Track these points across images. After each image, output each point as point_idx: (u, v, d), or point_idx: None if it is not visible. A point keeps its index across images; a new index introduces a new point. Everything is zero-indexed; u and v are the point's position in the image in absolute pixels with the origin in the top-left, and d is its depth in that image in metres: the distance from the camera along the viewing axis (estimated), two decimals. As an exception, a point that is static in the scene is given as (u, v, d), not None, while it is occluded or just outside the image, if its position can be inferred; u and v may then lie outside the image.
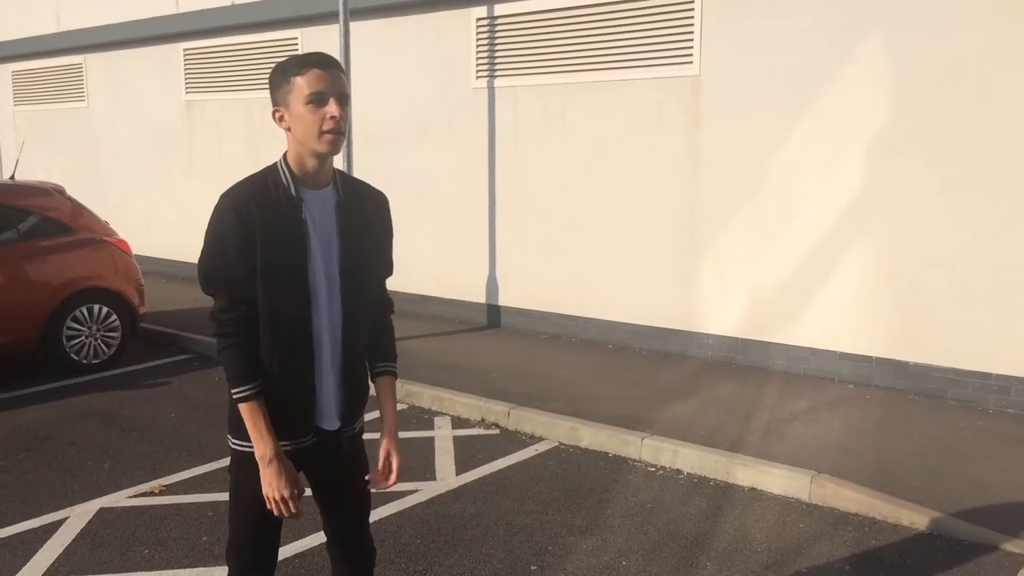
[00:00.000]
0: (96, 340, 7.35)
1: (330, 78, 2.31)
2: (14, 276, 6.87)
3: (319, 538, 4.19)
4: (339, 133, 2.32)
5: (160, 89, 11.80)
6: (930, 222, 6.17)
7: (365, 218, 2.50)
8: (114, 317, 7.43)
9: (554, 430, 5.68)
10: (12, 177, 7.76)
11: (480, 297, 8.68)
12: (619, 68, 7.50)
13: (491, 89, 8.35)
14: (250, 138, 10.66)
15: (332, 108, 2.30)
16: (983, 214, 5.96)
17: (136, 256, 7.95)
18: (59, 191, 7.49)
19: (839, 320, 6.61)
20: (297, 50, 9.92)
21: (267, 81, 2.41)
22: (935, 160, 6.10)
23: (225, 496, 4.73)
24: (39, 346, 7.08)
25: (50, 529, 4.38)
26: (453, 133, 8.70)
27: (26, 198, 7.17)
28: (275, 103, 2.36)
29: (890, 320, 6.40)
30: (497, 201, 8.42)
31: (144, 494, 4.81)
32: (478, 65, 8.43)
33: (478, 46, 8.41)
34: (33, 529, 4.39)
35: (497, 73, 8.30)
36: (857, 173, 6.42)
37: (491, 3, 8.24)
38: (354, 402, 2.60)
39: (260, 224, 2.30)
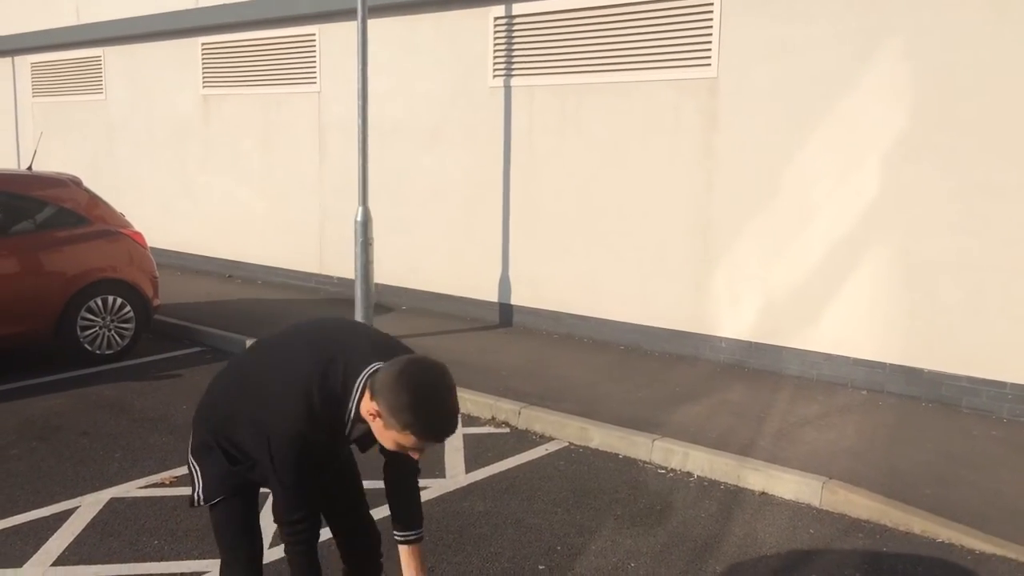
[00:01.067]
0: (110, 331, 7.38)
1: (430, 445, 2.32)
2: (30, 266, 6.91)
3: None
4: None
5: (178, 83, 11.85)
6: (946, 229, 6.12)
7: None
8: (128, 308, 7.46)
9: (564, 430, 5.67)
10: (30, 168, 7.81)
11: (492, 296, 8.67)
12: (636, 69, 7.48)
13: (507, 88, 8.34)
14: (265, 134, 10.69)
15: (416, 455, 2.37)
16: (999, 222, 5.91)
17: (151, 248, 7.99)
18: (76, 182, 7.53)
19: (853, 326, 6.58)
20: (314, 47, 9.95)
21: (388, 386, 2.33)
22: (951, 167, 6.06)
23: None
24: (53, 336, 7.12)
25: (61, 518, 4.41)
26: (468, 132, 8.70)
27: (43, 189, 7.21)
28: (378, 402, 2.25)
29: (904, 327, 6.36)
30: (511, 200, 8.41)
31: (154, 485, 4.83)
32: (495, 64, 8.43)
33: (495, 45, 8.41)
34: (44, 518, 4.41)
35: (514, 72, 8.30)
36: (873, 179, 6.39)
37: (509, 2, 8.23)
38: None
39: (316, 441, 2.45)
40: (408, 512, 2.65)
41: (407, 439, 2.26)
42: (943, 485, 4.77)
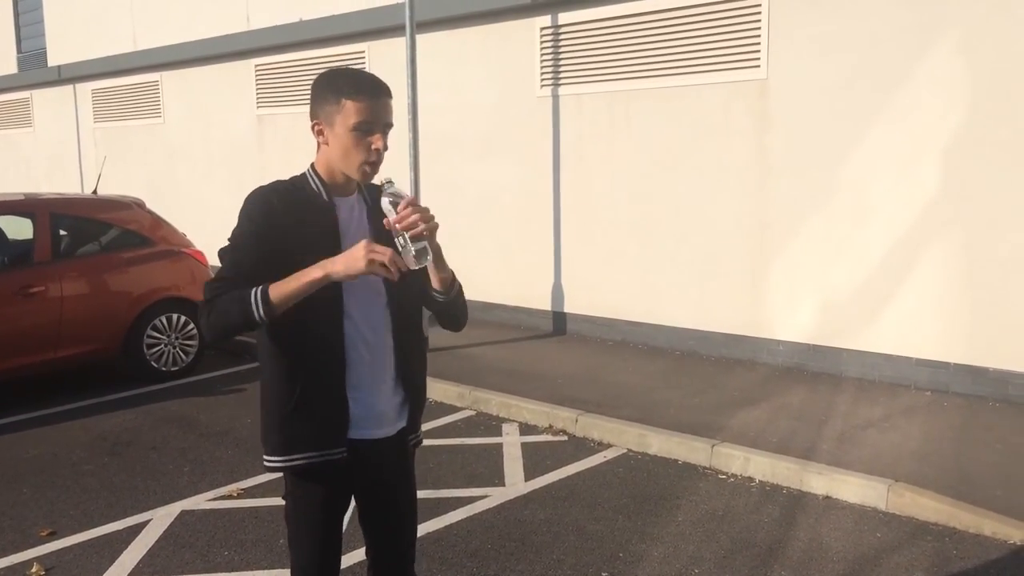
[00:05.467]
0: (175, 348, 7.58)
1: (381, 107, 2.27)
2: (98, 287, 7.13)
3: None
4: (377, 164, 2.31)
5: (233, 104, 12.13)
6: (1010, 224, 5.98)
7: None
8: (192, 326, 7.65)
9: (622, 437, 5.67)
10: (95, 191, 8.06)
11: (546, 304, 8.70)
12: (685, 73, 7.46)
13: (555, 97, 8.38)
14: (319, 150, 10.87)
15: (377, 141, 2.27)
16: (1066, 215, 5.77)
17: (212, 266, 8.17)
18: (139, 204, 7.75)
19: (915, 326, 6.46)
20: (364, 63, 10.11)
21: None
22: (1016, 161, 5.92)
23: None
24: (121, 354, 7.33)
25: (134, 531, 4.54)
26: (518, 142, 8.75)
27: (108, 211, 7.44)
28: (315, 115, 2.31)
29: (968, 325, 6.23)
30: (562, 208, 8.44)
31: (223, 497, 4.95)
32: (542, 73, 8.47)
33: (542, 55, 8.46)
34: (118, 531, 4.55)
35: (561, 81, 8.33)
36: (932, 175, 6.27)
37: (555, 12, 8.28)
38: (410, 404, 2.51)
39: (289, 221, 2.27)
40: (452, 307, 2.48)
41: (350, 114, 2.23)
42: (1014, 486, 4.65)
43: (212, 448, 5.79)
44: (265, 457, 2.44)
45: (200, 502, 4.89)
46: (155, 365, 7.47)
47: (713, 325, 7.54)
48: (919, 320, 6.43)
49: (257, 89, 11.70)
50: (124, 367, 7.50)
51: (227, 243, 2.30)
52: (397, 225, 2.16)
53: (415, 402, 2.53)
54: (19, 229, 7.21)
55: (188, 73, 12.83)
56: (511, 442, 5.80)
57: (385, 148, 2.29)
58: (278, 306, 2.16)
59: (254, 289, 2.16)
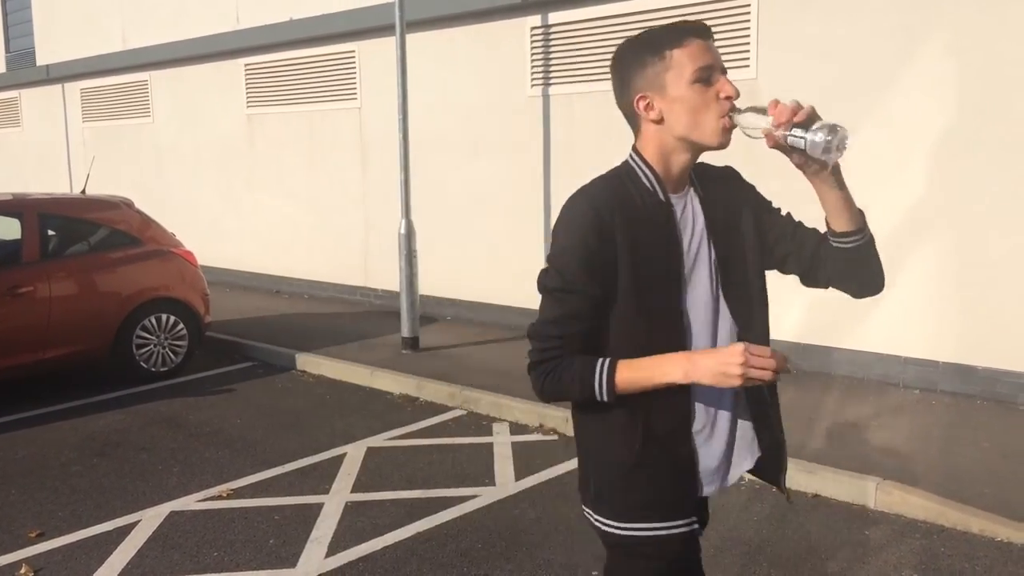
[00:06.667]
0: (164, 348, 7.55)
1: (713, 48, 1.86)
2: (86, 287, 7.10)
3: None
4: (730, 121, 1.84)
5: (222, 104, 12.09)
6: (998, 224, 6.02)
7: (731, 211, 2.00)
8: (181, 326, 7.63)
9: (613, 436, 5.67)
10: (83, 191, 8.03)
11: (536, 304, 8.68)
12: (674, 73, 7.47)
13: (546, 97, 8.39)
14: (308, 150, 10.86)
15: (725, 86, 1.85)
16: (1053, 214, 5.81)
17: (201, 266, 8.16)
18: (127, 204, 7.72)
19: (904, 325, 6.49)
20: (354, 63, 10.10)
21: (610, 69, 1.96)
22: (1003, 162, 5.96)
23: (291, 499, 4.84)
24: (110, 354, 7.30)
25: (123, 531, 4.52)
26: (508, 141, 8.76)
27: (96, 211, 7.41)
28: (636, 88, 1.88)
29: (957, 324, 6.26)
30: (552, 208, 8.44)
31: (212, 498, 4.94)
32: (533, 73, 8.48)
33: (532, 55, 8.46)
34: (107, 532, 4.53)
35: (552, 81, 8.34)
36: (921, 176, 6.30)
37: (545, 12, 8.28)
38: (767, 443, 2.08)
39: (625, 240, 1.83)
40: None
41: (683, 63, 1.82)
42: (1001, 484, 4.68)
43: (201, 449, 5.77)
44: (605, 522, 1.97)
45: (189, 503, 4.87)
46: (144, 365, 7.44)
47: (703, 324, 7.54)
48: (908, 319, 6.47)
49: (247, 89, 11.67)
50: (113, 367, 7.47)
51: (550, 272, 1.91)
52: (780, 128, 1.77)
53: (776, 432, 2.11)
54: (7, 229, 7.19)
55: (177, 72, 12.79)
56: (501, 441, 5.80)
57: (737, 95, 1.86)
58: (622, 393, 1.84)
59: (599, 374, 1.83)
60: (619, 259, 1.83)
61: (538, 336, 1.91)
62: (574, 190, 1.94)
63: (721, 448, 2.00)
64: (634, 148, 1.95)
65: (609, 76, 2.00)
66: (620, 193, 1.87)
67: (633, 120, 1.94)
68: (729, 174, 2.08)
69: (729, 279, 1.96)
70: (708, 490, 2.01)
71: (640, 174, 1.91)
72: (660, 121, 1.88)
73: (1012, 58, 5.85)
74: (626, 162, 1.94)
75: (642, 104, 1.88)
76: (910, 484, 4.65)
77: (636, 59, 1.87)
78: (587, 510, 2.02)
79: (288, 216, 11.29)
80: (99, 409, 6.74)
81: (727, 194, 2.02)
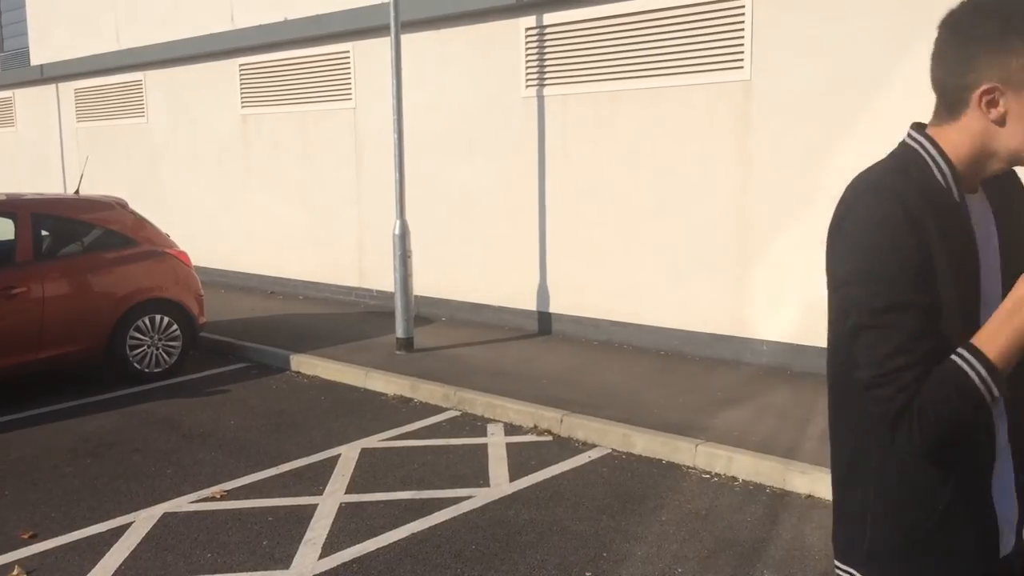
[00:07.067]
0: (158, 349, 7.54)
1: None
2: (80, 288, 7.09)
3: None
4: None
5: (217, 104, 12.08)
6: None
7: (1016, 220, 1.66)
8: (175, 327, 7.62)
9: (607, 437, 5.68)
10: (77, 192, 8.01)
11: (531, 304, 8.70)
12: (669, 74, 7.48)
13: (540, 98, 8.39)
14: (303, 150, 10.85)
15: None
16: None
17: (195, 267, 8.15)
18: (121, 205, 7.70)
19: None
20: (349, 63, 10.09)
21: (945, 27, 1.66)
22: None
23: (285, 501, 4.83)
24: (104, 355, 7.28)
25: (116, 533, 4.51)
26: (503, 142, 8.76)
27: (90, 212, 7.40)
28: (987, 77, 1.49)
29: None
30: (547, 209, 8.45)
31: (206, 499, 4.93)
32: (527, 74, 8.48)
33: (527, 55, 8.46)
34: (100, 533, 4.52)
35: (546, 82, 8.34)
36: (914, 175, 6.31)
37: (540, 12, 8.29)
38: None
39: (933, 236, 1.49)
40: None
41: None
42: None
43: (195, 450, 5.76)
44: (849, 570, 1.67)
45: (183, 504, 4.86)
46: (138, 366, 7.42)
47: (697, 325, 7.56)
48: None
49: (242, 89, 11.65)
50: (107, 368, 7.46)
51: (864, 294, 1.49)
52: None
53: None
54: (0, 230, 7.17)
55: (172, 72, 12.76)
56: (496, 443, 5.80)
57: None
58: (1003, 373, 1.44)
59: (964, 365, 1.43)
60: (936, 267, 1.49)
61: (885, 379, 1.47)
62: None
63: (1010, 488, 1.61)
64: (927, 133, 1.59)
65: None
66: (924, 189, 1.52)
67: (956, 105, 1.56)
68: (1011, 179, 1.73)
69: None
70: (1005, 547, 1.60)
71: (933, 166, 1.55)
72: (1000, 123, 1.51)
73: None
74: (912, 149, 1.57)
75: (985, 98, 1.50)
76: (903, 485, 4.65)
77: (999, 39, 1.47)
78: (849, 569, 1.66)
79: (283, 217, 11.28)
80: (92, 410, 6.73)
81: (1008, 200, 1.68)
